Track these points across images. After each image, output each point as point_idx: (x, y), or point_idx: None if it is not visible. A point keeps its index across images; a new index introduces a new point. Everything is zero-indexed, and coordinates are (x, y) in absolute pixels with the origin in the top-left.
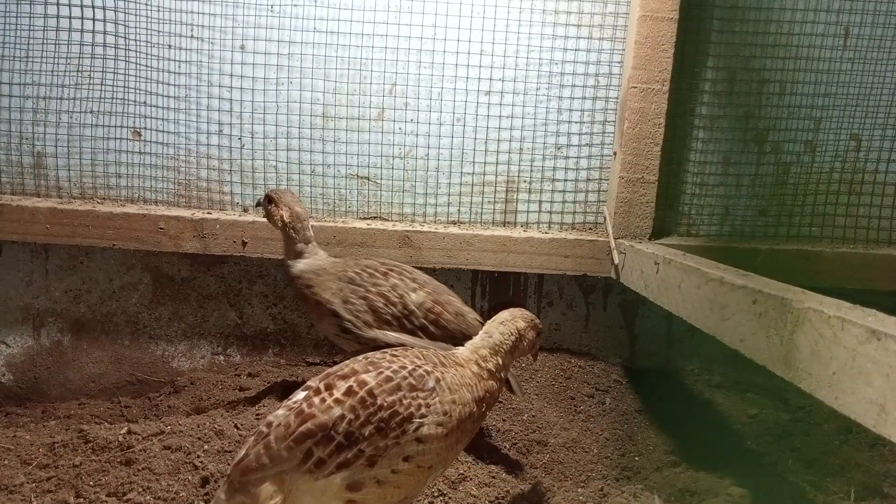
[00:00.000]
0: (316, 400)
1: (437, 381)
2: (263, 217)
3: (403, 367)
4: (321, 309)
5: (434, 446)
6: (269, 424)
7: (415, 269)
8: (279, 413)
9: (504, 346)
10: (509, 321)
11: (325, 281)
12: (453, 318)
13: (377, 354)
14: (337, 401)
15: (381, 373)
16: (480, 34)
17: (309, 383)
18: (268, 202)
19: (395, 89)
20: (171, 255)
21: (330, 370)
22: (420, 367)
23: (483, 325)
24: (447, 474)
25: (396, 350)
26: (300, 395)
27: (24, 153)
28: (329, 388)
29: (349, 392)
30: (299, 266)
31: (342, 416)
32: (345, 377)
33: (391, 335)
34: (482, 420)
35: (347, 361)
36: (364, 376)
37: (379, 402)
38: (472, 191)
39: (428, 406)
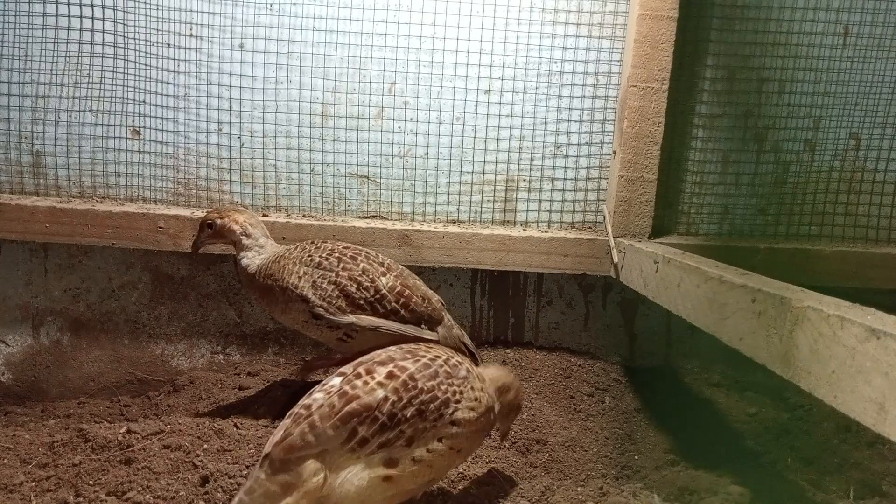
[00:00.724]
0: (359, 382)
1: (468, 371)
2: (212, 244)
3: (438, 357)
4: (288, 295)
5: (466, 430)
6: (307, 407)
7: (379, 252)
8: (317, 396)
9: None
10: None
11: (287, 265)
12: (421, 302)
13: (409, 346)
14: (380, 383)
15: (419, 360)
16: (480, 33)
17: (343, 370)
18: (210, 226)
19: (395, 88)
20: (171, 254)
21: (362, 359)
22: (452, 357)
23: (445, 308)
24: (447, 473)
25: (421, 344)
26: (336, 380)
27: (23, 152)
28: (369, 372)
29: (391, 376)
30: (256, 261)
31: (386, 398)
32: (383, 363)
33: (366, 319)
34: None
35: (379, 351)
36: (403, 363)
37: (420, 385)
38: (472, 190)
39: (461, 392)
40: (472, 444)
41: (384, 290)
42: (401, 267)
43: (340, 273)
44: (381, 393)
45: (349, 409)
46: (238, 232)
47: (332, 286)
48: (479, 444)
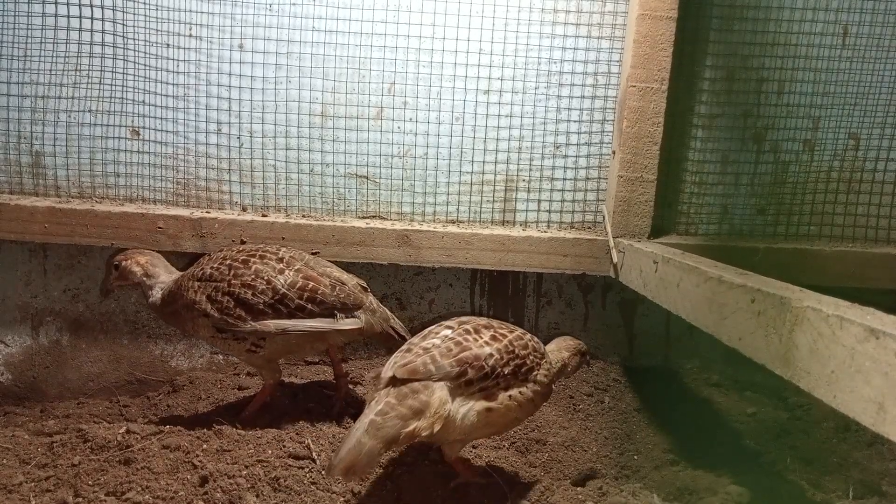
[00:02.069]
0: (470, 338)
1: (545, 349)
2: (119, 285)
3: (526, 334)
4: (192, 312)
5: (540, 389)
6: (425, 348)
7: (282, 246)
8: (434, 342)
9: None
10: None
11: (184, 284)
12: (331, 291)
13: (499, 322)
14: (487, 343)
15: (514, 331)
16: (479, 33)
17: (448, 324)
18: (115, 267)
19: (394, 88)
20: (170, 254)
21: (462, 319)
22: (535, 337)
23: (367, 291)
24: (446, 472)
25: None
26: (446, 331)
27: (22, 152)
28: (476, 331)
29: (494, 338)
30: (158, 294)
31: (491, 355)
32: (486, 327)
33: (271, 323)
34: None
35: (471, 317)
36: (501, 330)
37: (516, 352)
38: (472, 190)
39: (539, 364)
40: (539, 404)
41: (283, 289)
42: (306, 257)
43: (232, 281)
44: (487, 350)
45: (464, 355)
46: (139, 273)
47: (227, 296)
48: (545, 400)
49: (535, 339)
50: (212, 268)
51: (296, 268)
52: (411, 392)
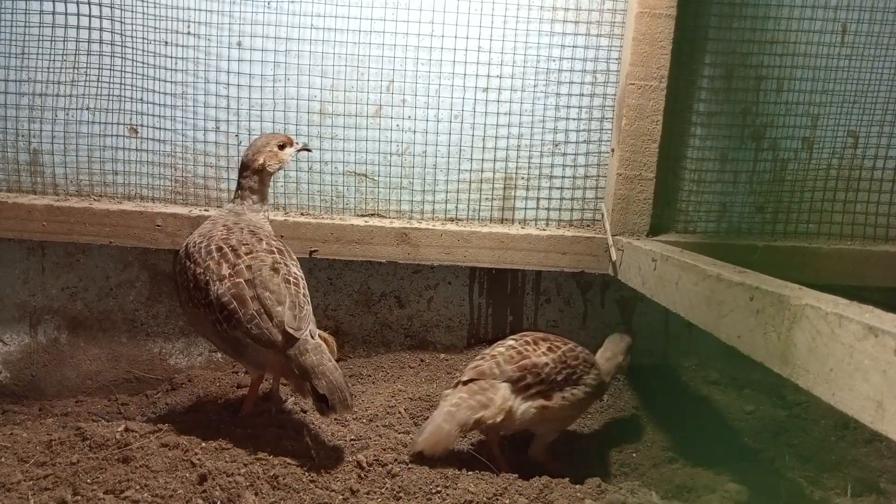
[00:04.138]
0: (529, 348)
1: (594, 360)
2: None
3: (577, 347)
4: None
5: (590, 391)
6: (492, 355)
7: (273, 250)
8: (500, 350)
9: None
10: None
11: (180, 251)
12: (246, 320)
13: (555, 335)
14: (544, 353)
15: (567, 343)
16: (478, 31)
17: (512, 338)
18: None
19: (393, 86)
20: (169, 252)
21: (524, 333)
22: (585, 349)
23: (308, 336)
24: (445, 472)
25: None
26: (510, 341)
27: (20, 150)
28: (535, 342)
29: (550, 350)
30: None
31: (546, 364)
32: (543, 339)
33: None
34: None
35: (529, 332)
36: (556, 342)
37: (569, 362)
38: (470, 188)
39: (588, 373)
40: (592, 399)
41: (212, 297)
42: (264, 269)
43: (198, 265)
44: (544, 359)
45: (524, 362)
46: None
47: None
48: (597, 399)
49: (586, 350)
50: (195, 243)
51: (240, 279)
52: (480, 389)
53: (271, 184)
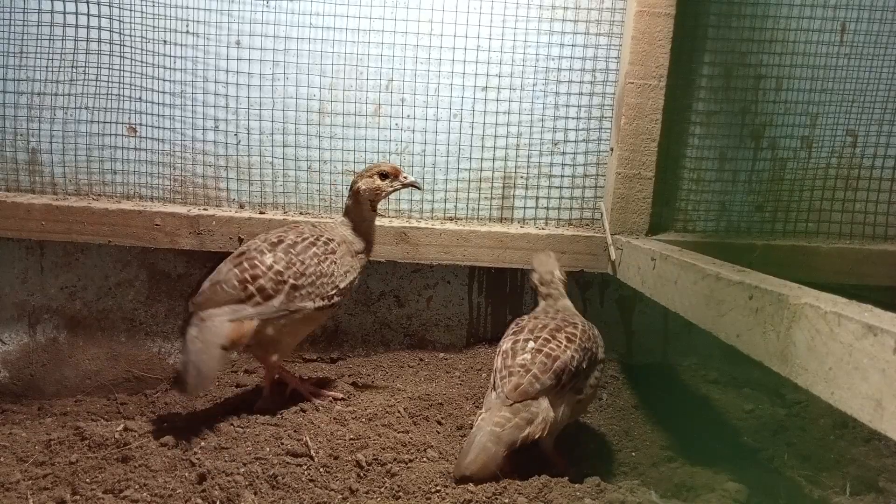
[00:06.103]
0: (552, 345)
1: (597, 332)
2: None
3: (585, 325)
4: None
5: (602, 367)
6: (522, 365)
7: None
8: (525, 357)
9: None
10: None
11: None
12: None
13: (561, 316)
14: (566, 346)
15: (577, 326)
16: (477, 29)
17: (525, 336)
18: None
19: (392, 85)
20: (167, 251)
21: (529, 326)
22: (592, 325)
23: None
24: (445, 470)
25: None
26: (530, 344)
27: (18, 149)
28: (553, 337)
29: (569, 339)
30: None
31: (572, 357)
32: (558, 329)
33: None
34: None
35: (537, 320)
36: (569, 330)
37: (587, 346)
38: (469, 187)
39: (599, 347)
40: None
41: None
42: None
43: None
44: (569, 353)
45: (556, 365)
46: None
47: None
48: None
49: (586, 321)
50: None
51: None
52: (523, 407)
53: (270, 183)
